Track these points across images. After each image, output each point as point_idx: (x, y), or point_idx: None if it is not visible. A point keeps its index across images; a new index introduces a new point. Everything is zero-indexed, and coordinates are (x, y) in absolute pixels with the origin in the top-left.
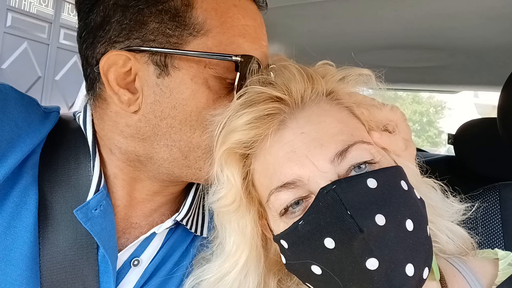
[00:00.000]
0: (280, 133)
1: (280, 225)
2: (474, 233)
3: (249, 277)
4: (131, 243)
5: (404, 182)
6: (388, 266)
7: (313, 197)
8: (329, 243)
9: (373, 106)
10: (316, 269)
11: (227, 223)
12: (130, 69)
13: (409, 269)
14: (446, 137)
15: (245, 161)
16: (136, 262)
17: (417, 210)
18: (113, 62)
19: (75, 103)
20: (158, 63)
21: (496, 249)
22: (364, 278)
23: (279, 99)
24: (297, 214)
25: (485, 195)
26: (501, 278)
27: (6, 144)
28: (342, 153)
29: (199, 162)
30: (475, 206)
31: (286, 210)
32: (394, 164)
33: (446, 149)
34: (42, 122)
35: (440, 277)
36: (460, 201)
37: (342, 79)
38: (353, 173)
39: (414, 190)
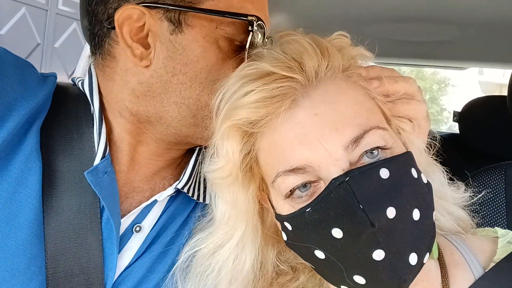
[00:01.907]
0: (291, 112)
1: (284, 207)
2: (476, 213)
3: (246, 251)
4: (133, 208)
5: (414, 170)
6: (393, 257)
7: (322, 183)
8: (337, 233)
9: (389, 77)
10: (320, 254)
11: (219, 193)
12: (144, 24)
13: (413, 258)
14: (448, 115)
15: (249, 138)
16: (138, 228)
17: (425, 198)
18: (128, 16)
19: (75, 71)
20: (172, 19)
21: (496, 227)
22: (368, 267)
23: (291, 78)
24: (304, 199)
25: (490, 173)
26: (499, 255)
27: (3, 108)
28: (357, 140)
29: (206, 121)
30: (481, 194)
31: (292, 192)
32: (405, 149)
33: (448, 127)
34: (39, 86)
35: (439, 254)
36: (463, 182)
37: (358, 55)
38: (365, 158)
39: (422, 174)
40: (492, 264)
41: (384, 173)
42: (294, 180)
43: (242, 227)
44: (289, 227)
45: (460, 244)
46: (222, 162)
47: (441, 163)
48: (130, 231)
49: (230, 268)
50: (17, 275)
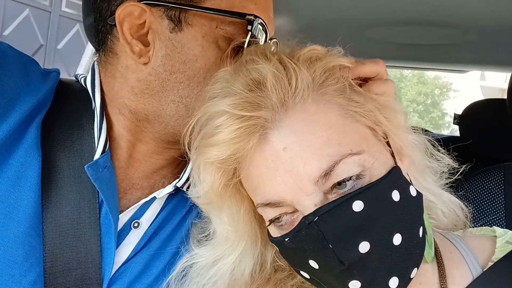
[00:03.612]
0: (260, 147)
1: (271, 229)
2: (475, 211)
3: (245, 261)
4: (132, 205)
5: (397, 191)
6: (370, 285)
7: (300, 213)
8: (313, 264)
9: (358, 63)
10: (305, 274)
11: (212, 216)
12: (145, 22)
13: (393, 282)
14: (450, 120)
15: (226, 169)
16: (136, 224)
17: (409, 218)
18: (129, 13)
19: (77, 71)
20: (172, 18)
21: (494, 227)
22: None
23: (255, 116)
24: (285, 227)
25: (489, 174)
26: (498, 255)
27: (6, 103)
28: (327, 174)
29: None
30: (462, 168)
31: (271, 221)
32: (390, 165)
33: (449, 132)
34: (41, 81)
35: (437, 253)
36: (461, 179)
37: (332, 68)
38: (342, 187)
39: (410, 187)
40: (491, 264)
41: (358, 205)
42: (272, 212)
43: (242, 244)
44: (276, 247)
45: (459, 243)
46: (201, 192)
47: None
48: (128, 226)
49: (227, 277)
50: (15, 266)
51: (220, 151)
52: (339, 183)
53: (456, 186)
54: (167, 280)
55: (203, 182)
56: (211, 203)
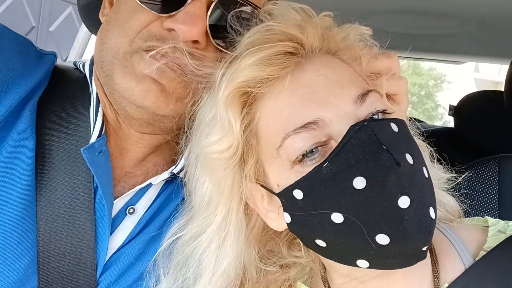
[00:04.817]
0: (297, 75)
1: (291, 176)
2: (468, 202)
3: (227, 242)
4: (127, 191)
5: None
6: (417, 206)
7: (333, 142)
8: (359, 182)
9: (371, 58)
10: (337, 218)
11: (209, 170)
12: None
13: (432, 212)
14: (443, 111)
15: (250, 108)
16: (131, 210)
17: (425, 161)
18: None
19: (69, 55)
20: None
21: (486, 217)
22: (393, 218)
23: (296, 40)
24: (317, 159)
25: (484, 165)
26: (490, 244)
27: (1, 85)
28: (364, 96)
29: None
30: (462, 176)
31: (304, 156)
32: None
33: (442, 123)
34: (37, 64)
35: None
36: (457, 171)
37: (344, 38)
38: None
39: None
40: (482, 253)
41: (394, 127)
42: (305, 141)
43: (222, 212)
44: (299, 196)
45: (449, 233)
46: (221, 133)
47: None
48: (123, 212)
49: (210, 258)
50: (9, 250)
51: (256, 70)
52: (372, 114)
53: (458, 186)
54: (154, 257)
55: (229, 121)
56: (227, 150)
